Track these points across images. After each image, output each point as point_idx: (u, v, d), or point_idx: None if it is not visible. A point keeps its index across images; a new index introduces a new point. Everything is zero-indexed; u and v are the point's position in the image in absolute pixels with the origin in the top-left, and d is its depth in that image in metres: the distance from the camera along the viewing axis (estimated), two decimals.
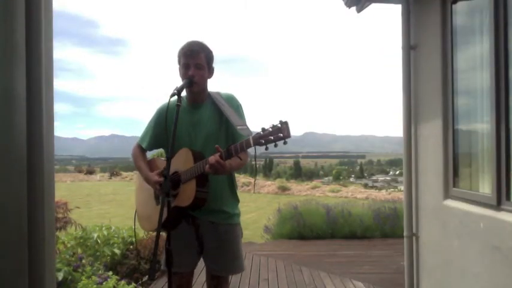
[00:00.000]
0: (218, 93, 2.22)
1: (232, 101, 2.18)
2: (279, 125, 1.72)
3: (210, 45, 2.15)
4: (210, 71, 2.16)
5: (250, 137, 1.78)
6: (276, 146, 1.74)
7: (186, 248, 2.12)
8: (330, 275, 4.71)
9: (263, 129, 1.75)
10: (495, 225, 2.28)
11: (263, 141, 1.73)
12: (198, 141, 2.12)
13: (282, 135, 1.71)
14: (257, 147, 1.81)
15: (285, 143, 1.73)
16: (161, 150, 2.52)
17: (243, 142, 1.81)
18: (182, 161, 2.04)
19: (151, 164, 2.26)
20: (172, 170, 2.00)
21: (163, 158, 2.31)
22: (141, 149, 2.30)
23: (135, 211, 2.31)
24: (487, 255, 2.33)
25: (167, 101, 2.20)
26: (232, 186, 2.22)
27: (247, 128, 1.97)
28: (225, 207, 2.16)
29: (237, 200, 2.26)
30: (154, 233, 2.20)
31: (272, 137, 1.72)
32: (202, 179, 1.99)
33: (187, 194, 1.99)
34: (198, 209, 2.04)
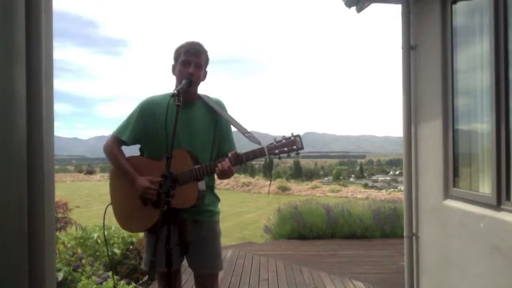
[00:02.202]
0: (208, 96, 2.24)
1: (222, 106, 2.23)
2: (292, 138, 1.85)
3: (207, 47, 2.18)
4: (205, 74, 2.19)
5: (265, 147, 1.88)
6: (288, 156, 1.85)
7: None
8: (330, 275, 4.71)
9: (276, 140, 1.87)
10: (495, 225, 2.27)
11: (277, 151, 1.85)
12: (188, 139, 2.12)
13: (295, 147, 1.85)
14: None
15: (297, 154, 1.87)
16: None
17: (256, 151, 1.90)
18: (177, 163, 1.95)
19: (129, 163, 2.13)
20: (163, 170, 1.88)
21: (139, 156, 2.22)
22: (117, 144, 2.13)
23: (107, 206, 2.16)
24: (487, 255, 2.33)
25: (152, 94, 2.21)
26: (212, 185, 2.24)
27: (254, 136, 2.02)
28: (209, 206, 2.18)
29: (218, 199, 2.29)
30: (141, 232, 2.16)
31: (286, 148, 1.85)
32: (199, 180, 2.01)
33: (188, 195, 1.99)
34: (194, 208, 2.05)
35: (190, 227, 2.13)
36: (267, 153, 1.86)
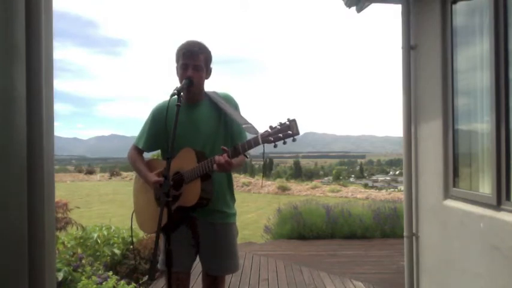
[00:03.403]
0: (215, 93, 2.22)
1: (230, 101, 2.20)
2: (288, 123, 1.75)
3: (208, 45, 2.14)
4: (208, 72, 2.16)
5: (259, 135, 1.80)
6: (284, 143, 1.76)
7: (182, 248, 2.10)
8: (330, 275, 4.71)
9: (271, 127, 1.78)
10: (495, 225, 2.27)
11: (272, 139, 1.76)
12: (198, 140, 2.12)
13: (291, 132, 1.74)
14: (260, 145, 1.83)
15: (294, 140, 1.76)
16: (158, 152, 2.47)
17: (251, 140, 1.83)
18: (184, 161, 2.02)
19: (149, 166, 2.23)
20: (173, 170, 1.98)
21: (161, 159, 2.30)
22: (138, 151, 2.28)
23: (132, 212, 2.25)
24: (487, 255, 2.33)
25: (163, 100, 2.20)
26: (230, 186, 2.23)
27: (253, 126, 1.97)
28: (224, 207, 2.16)
29: (234, 200, 2.27)
30: (154, 233, 2.17)
31: (281, 135, 1.75)
32: (206, 178, 1.99)
33: (191, 193, 1.99)
34: (201, 208, 2.04)
35: (202, 227, 2.13)
36: (260, 141, 1.78)
